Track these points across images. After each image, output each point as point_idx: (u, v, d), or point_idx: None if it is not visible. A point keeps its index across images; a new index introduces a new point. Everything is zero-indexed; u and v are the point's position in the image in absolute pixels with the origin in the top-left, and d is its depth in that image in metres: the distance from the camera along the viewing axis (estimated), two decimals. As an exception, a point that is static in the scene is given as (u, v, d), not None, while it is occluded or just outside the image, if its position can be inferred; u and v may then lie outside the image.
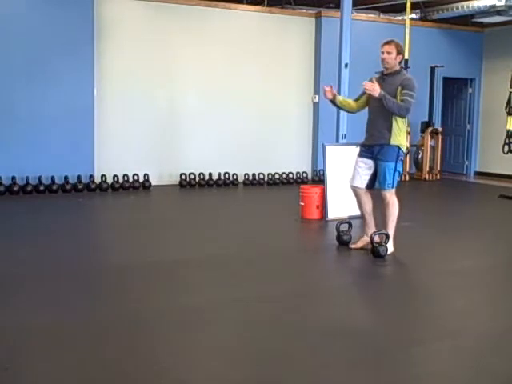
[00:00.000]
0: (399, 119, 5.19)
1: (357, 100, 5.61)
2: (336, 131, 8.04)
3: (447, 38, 11.91)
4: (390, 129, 5.18)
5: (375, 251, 5.15)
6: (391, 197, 5.29)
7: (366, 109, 5.50)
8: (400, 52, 5.25)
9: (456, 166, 12.80)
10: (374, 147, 5.29)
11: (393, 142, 5.19)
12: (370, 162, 5.35)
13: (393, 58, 5.21)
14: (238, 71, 10.33)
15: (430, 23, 11.61)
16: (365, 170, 5.38)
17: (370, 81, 5.27)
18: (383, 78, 5.30)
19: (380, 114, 5.21)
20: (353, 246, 5.55)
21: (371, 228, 5.47)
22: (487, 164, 12.26)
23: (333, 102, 5.61)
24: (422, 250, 5.67)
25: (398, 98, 5.12)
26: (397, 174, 5.28)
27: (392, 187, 5.27)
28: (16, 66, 8.70)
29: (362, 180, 5.40)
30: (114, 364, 2.99)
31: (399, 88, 5.13)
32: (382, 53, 5.24)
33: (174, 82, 9.92)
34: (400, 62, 5.29)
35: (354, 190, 5.49)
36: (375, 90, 5.09)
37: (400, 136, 5.23)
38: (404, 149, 5.33)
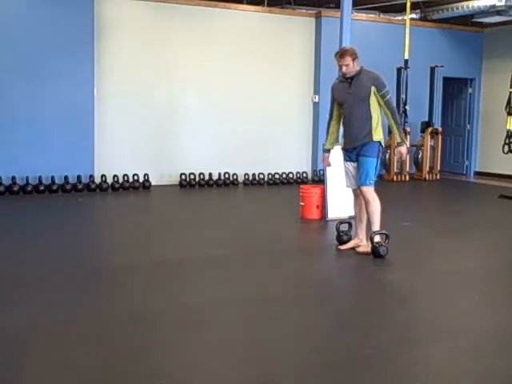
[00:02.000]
0: (376, 116, 5.26)
1: (332, 115, 5.58)
2: (336, 131, 8.03)
3: (447, 37, 11.91)
4: (370, 126, 5.25)
5: (375, 251, 5.15)
6: (371, 193, 5.32)
7: None
8: (355, 57, 5.23)
9: (456, 166, 12.80)
10: (358, 146, 5.33)
11: (375, 137, 5.27)
12: (356, 164, 5.40)
13: (351, 67, 5.23)
14: (237, 71, 10.33)
15: (430, 23, 11.61)
16: (355, 170, 5.42)
17: (336, 86, 5.46)
18: (349, 82, 5.31)
19: (357, 114, 5.26)
20: (342, 247, 5.54)
21: (362, 231, 5.51)
22: (487, 164, 12.26)
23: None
24: (421, 250, 5.66)
25: (377, 99, 5.19)
26: (377, 170, 5.37)
27: (372, 183, 5.32)
28: (16, 65, 8.70)
29: (357, 181, 5.43)
30: (114, 364, 2.99)
31: (373, 87, 5.18)
32: (340, 66, 5.27)
33: (174, 81, 9.93)
34: (357, 63, 5.28)
35: (354, 192, 5.55)
36: (405, 151, 5.35)
37: (379, 131, 5.31)
38: (383, 144, 5.43)
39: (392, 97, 5.33)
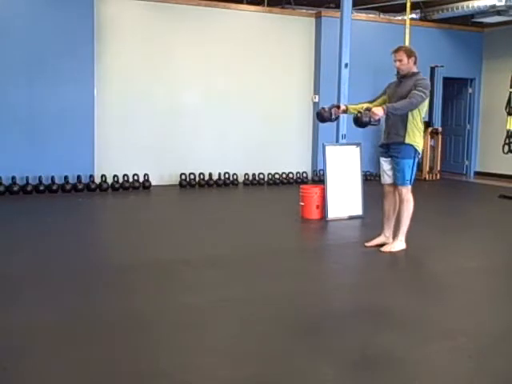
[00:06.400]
0: (415, 120, 5.26)
1: (373, 101, 5.63)
2: (336, 131, 8.04)
3: (447, 38, 11.91)
4: (405, 128, 5.28)
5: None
6: (407, 193, 5.40)
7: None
8: (410, 55, 5.31)
9: (456, 165, 12.80)
10: (390, 146, 5.41)
11: (407, 141, 5.29)
12: (390, 160, 5.47)
13: (405, 63, 5.30)
14: (237, 71, 10.34)
15: (430, 23, 11.62)
16: (388, 166, 5.49)
17: (391, 83, 5.53)
18: (400, 80, 5.42)
19: (397, 114, 5.30)
20: (368, 244, 5.60)
21: (389, 229, 5.57)
22: (487, 164, 12.26)
23: (345, 112, 5.76)
24: (421, 249, 5.67)
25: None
26: (414, 171, 5.40)
27: (409, 184, 5.38)
28: (16, 66, 8.70)
29: (391, 176, 5.47)
30: (114, 364, 2.99)
31: (412, 88, 5.22)
32: (395, 61, 5.37)
33: (174, 81, 9.93)
34: (415, 63, 5.32)
35: (385, 188, 5.59)
36: (380, 113, 5.15)
37: (415, 136, 5.30)
38: (419, 149, 5.40)
39: (423, 99, 5.16)
